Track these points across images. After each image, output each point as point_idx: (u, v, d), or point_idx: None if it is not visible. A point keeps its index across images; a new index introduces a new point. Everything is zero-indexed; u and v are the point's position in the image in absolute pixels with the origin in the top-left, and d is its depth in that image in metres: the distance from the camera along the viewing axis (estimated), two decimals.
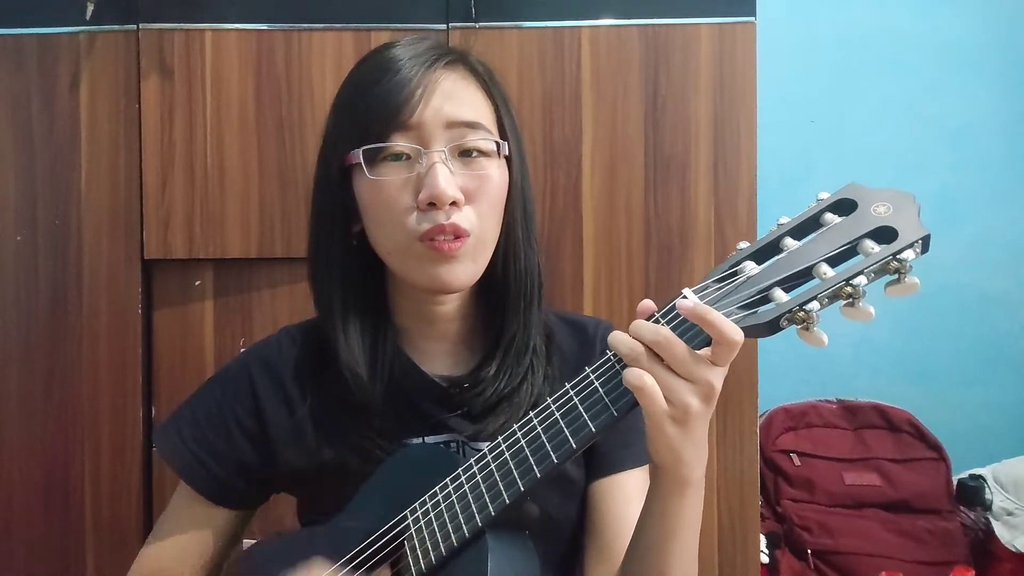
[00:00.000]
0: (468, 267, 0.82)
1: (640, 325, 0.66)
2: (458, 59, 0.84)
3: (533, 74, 1.35)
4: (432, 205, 0.78)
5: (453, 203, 0.78)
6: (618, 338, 0.67)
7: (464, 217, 0.79)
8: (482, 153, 0.81)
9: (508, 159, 0.85)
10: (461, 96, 0.81)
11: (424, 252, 0.79)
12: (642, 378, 0.64)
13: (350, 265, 0.85)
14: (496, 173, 0.82)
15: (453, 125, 0.80)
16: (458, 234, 0.79)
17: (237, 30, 1.35)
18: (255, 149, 1.35)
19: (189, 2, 1.34)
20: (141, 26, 1.35)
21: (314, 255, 0.88)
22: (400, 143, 0.79)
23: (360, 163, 0.79)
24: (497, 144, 0.83)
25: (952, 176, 2.13)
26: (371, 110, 0.79)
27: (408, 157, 0.79)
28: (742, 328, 0.64)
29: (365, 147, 0.79)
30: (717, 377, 0.65)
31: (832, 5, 2.14)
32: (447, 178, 0.78)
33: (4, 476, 1.36)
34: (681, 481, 0.70)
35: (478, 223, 0.81)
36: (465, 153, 0.80)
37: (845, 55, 2.13)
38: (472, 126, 0.80)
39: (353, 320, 0.84)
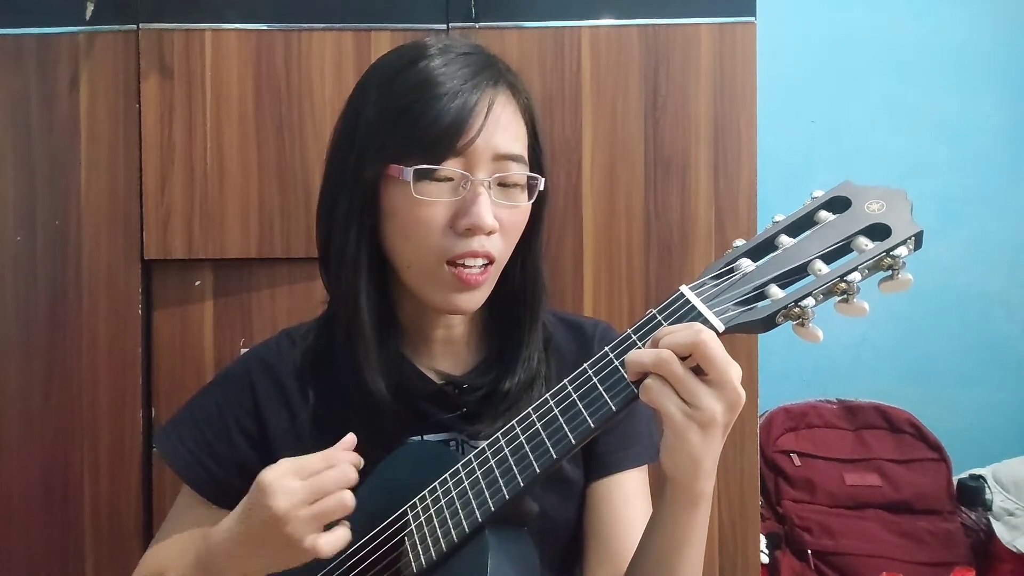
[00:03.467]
0: (484, 293, 0.84)
1: (672, 330, 0.65)
2: (510, 81, 0.85)
3: (533, 74, 1.35)
4: (469, 231, 0.79)
5: (488, 232, 0.80)
6: (639, 354, 0.66)
7: (493, 244, 0.81)
8: (518, 185, 0.83)
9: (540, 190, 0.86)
10: (511, 127, 0.82)
11: (448, 278, 0.80)
12: (661, 394, 0.64)
13: (369, 266, 0.85)
14: (527, 206, 0.84)
15: (500, 157, 0.81)
16: (489, 259, 0.81)
17: (237, 30, 1.35)
18: (255, 149, 1.35)
19: (189, 2, 1.34)
20: (141, 26, 1.34)
21: (334, 254, 0.85)
22: (451, 167, 0.79)
23: (408, 181, 0.79)
24: (533, 179, 0.84)
25: (952, 176, 2.13)
26: (431, 131, 0.78)
27: (451, 179, 0.80)
28: (739, 324, 0.65)
29: (418, 167, 0.79)
30: (738, 380, 0.65)
31: (832, 5, 2.14)
32: (490, 208, 0.79)
33: (4, 476, 1.36)
34: (694, 495, 0.70)
35: (503, 250, 0.83)
36: (504, 183, 0.82)
37: (845, 55, 2.13)
38: (516, 159, 0.82)
39: (367, 320, 0.84)
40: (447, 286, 0.81)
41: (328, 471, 0.71)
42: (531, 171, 0.84)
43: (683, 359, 0.64)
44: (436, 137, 0.78)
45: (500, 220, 0.81)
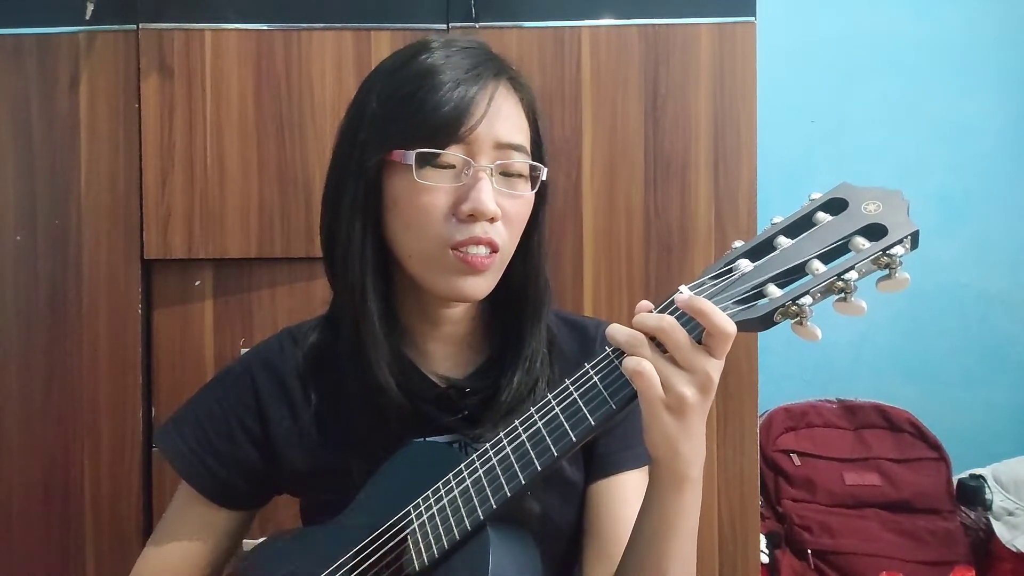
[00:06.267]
0: (490, 280, 0.84)
1: (642, 316, 0.67)
2: (512, 75, 0.85)
3: (533, 74, 1.35)
4: (472, 217, 0.79)
5: (491, 219, 0.80)
6: (616, 328, 0.68)
7: (497, 232, 0.81)
8: (521, 176, 0.84)
9: (542, 182, 0.86)
10: (512, 117, 0.83)
11: (453, 262, 0.80)
12: (640, 363, 0.65)
13: (375, 260, 0.85)
14: (529, 196, 0.85)
15: (502, 146, 0.81)
16: (493, 248, 0.81)
17: (237, 30, 1.35)
18: (255, 149, 1.35)
19: (189, 2, 1.34)
20: (141, 26, 1.35)
21: (340, 248, 0.85)
22: (454, 153, 0.80)
23: (409, 164, 0.80)
24: (536, 170, 0.85)
25: (952, 176, 2.13)
26: (435, 116, 0.79)
27: (454, 167, 0.80)
28: (737, 322, 0.65)
29: (420, 150, 0.79)
30: (714, 369, 0.66)
31: (832, 5, 2.14)
32: (492, 194, 0.80)
33: (4, 476, 1.36)
34: (678, 476, 0.71)
35: (508, 240, 0.83)
36: (506, 172, 0.82)
37: (845, 55, 2.13)
38: (518, 149, 0.83)
39: (376, 312, 0.84)
40: (452, 271, 0.81)
41: None
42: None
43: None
44: (439, 123, 0.79)
45: (503, 209, 0.81)
